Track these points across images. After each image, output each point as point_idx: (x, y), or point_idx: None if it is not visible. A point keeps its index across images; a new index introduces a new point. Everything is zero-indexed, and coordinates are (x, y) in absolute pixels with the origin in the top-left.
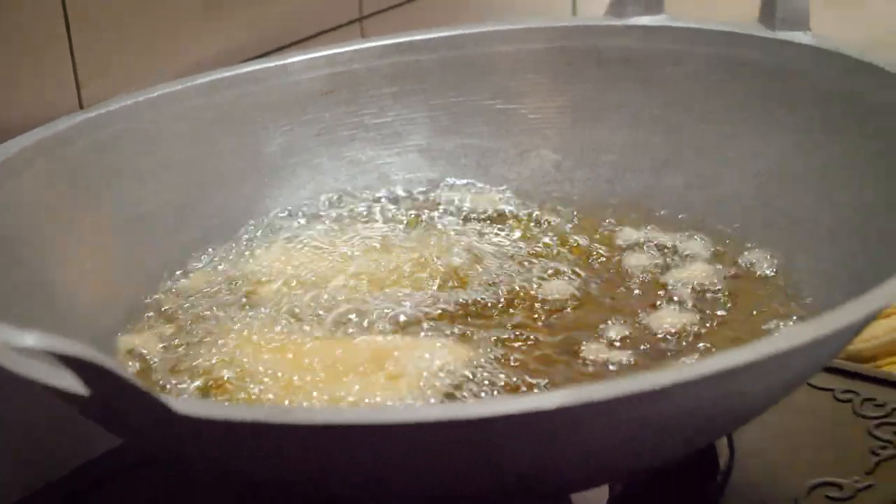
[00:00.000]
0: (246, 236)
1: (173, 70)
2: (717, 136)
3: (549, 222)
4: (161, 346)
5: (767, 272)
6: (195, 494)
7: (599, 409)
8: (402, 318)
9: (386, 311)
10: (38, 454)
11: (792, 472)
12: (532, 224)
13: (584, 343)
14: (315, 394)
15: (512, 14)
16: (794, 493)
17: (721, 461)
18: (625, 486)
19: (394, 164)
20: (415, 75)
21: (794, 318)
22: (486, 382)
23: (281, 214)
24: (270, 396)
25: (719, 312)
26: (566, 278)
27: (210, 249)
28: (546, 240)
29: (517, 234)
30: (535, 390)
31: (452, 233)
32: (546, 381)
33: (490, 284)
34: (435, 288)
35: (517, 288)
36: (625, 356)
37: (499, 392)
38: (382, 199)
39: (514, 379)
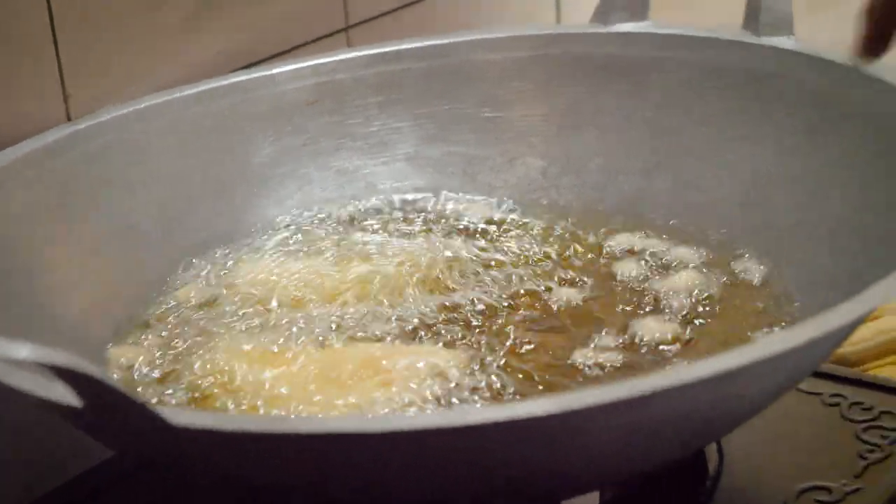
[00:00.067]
0: (234, 247)
1: (161, 81)
2: (704, 142)
3: (536, 229)
4: (150, 357)
5: (757, 277)
6: (194, 501)
7: (590, 416)
8: (391, 325)
9: (375, 319)
10: (36, 463)
11: (781, 476)
12: (519, 231)
13: (574, 349)
14: (307, 403)
15: (497, 22)
16: (783, 496)
17: (710, 466)
18: (615, 491)
19: (381, 173)
20: (401, 84)
21: (784, 323)
22: (477, 389)
23: (269, 225)
24: (261, 406)
25: (709, 319)
26: (555, 285)
27: (199, 261)
28: (534, 247)
29: (505, 241)
30: (525, 397)
31: (440, 241)
32: (536, 387)
33: (478, 292)
34: (423, 295)
35: (505, 295)
36: (615, 363)
37: (489, 399)
38: (370, 209)
39: (505, 386)
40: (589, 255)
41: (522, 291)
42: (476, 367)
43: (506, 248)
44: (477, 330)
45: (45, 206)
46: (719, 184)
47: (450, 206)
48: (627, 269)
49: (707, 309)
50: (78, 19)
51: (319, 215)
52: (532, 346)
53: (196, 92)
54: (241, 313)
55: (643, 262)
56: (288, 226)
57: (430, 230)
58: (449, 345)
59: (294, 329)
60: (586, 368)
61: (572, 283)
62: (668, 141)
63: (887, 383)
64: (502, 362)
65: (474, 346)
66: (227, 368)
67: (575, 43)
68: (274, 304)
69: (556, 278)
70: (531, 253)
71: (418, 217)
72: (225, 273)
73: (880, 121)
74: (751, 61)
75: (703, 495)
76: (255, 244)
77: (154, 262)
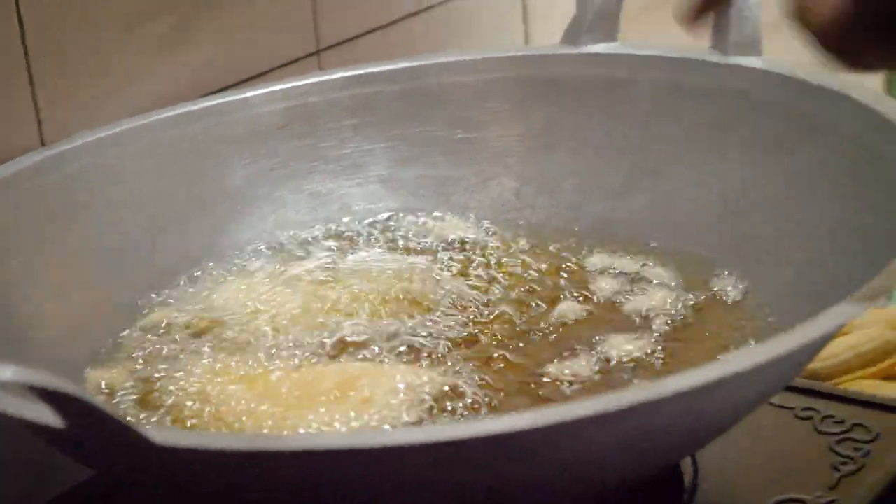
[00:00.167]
0: (210, 269)
1: (135, 105)
2: (678, 161)
3: (512, 249)
4: (128, 380)
5: (733, 294)
6: None
7: (567, 430)
8: (367, 345)
9: (350, 339)
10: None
11: (756, 489)
12: (494, 251)
13: (549, 366)
14: (285, 424)
15: (466, 44)
16: None
17: (686, 480)
18: None
19: (355, 194)
20: (374, 107)
21: (758, 339)
22: (455, 408)
23: (244, 248)
24: (240, 426)
25: (686, 336)
26: (531, 304)
27: (175, 283)
28: (509, 267)
29: (479, 261)
30: (502, 413)
31: (416, 261)
32: (513, 404)
33: (454, 311)
34: (399, 315)
35: (481, 314)
36: (590, 380)
37: (465, 415)
38: (344, 230)
39: (481, 403)
40: (564, 275)
41: (497, 311)
42: (453, 386)
43: (481, 269)
44: (453, 349)
45: (19, 231)
46: (694, 202)
47: (425, 226)
48: (603, 288)
49: (683, 326)
50: (52, 43)
51: (294, 238)
52: (508, 363)
53: (170, 116)
54: (217, 335)
55: (619, 281)
56: (263, 248)
57: (405, 251)
58: (426, 364)
59: (271, 350)
60: (562, 385)
61: (548, 302)
62: (641, 160)
63: (859, 397)
64: (478, 380)
65: (450, 364)
66: (204, 390)
67: (547, 64)
68: (250, 325)
69: (531, 297)
70: (506, 272)
71: (393, 238)
72: (201, 295)
73: (848, 137)
74: (721, 81)
75: None
76: (230, 266)
77: (130, 285)
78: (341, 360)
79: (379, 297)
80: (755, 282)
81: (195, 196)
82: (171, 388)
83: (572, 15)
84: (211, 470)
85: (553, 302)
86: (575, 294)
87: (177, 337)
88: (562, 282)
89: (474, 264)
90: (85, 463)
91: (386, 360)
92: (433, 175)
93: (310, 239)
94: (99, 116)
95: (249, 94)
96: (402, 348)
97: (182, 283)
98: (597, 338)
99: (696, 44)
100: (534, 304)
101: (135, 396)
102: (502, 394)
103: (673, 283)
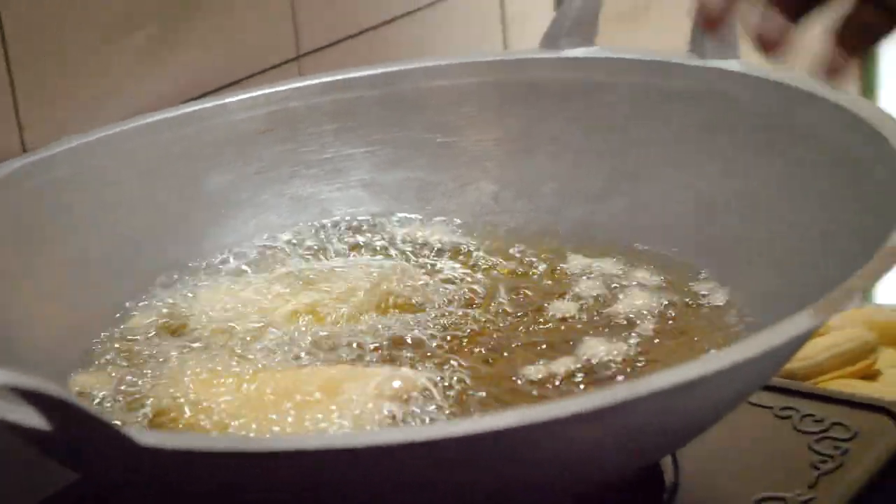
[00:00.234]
0: (192, 274)
1: (116, 112)
2: (657, 164)
3: (490, 252)
4: (112, 385)
5: (713, 296)
6: None
7: (547, 429)
8: (351, 348)
9: (333, 342)
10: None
11: (737, 487)
12: (473, 255)
13: (530, 368)
14: (269, 426)
15: (446, 49)
16: None
17: (666, 479)
18: None
19: (336, 199)
20: (354, 112)
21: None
22: (438, 408)
23: (226, 252)
24: (225, 428)
25: (666, 338)
26: (512, 307)
27: (157, 288)
28: (489, 270)
29: (459, 265)
30: (483, 413)
31: (396, 264)
32: (494, 405)
33: (435, 314)
34: (381, 318)
35: (460, 316)
36: (572, 382)
37: (448, 416)
38: (325, 235)
39: (463, 404)
40: (544, 278)
41: (478, 314)
42: (435, 388)
43: (461, 272)
44: (434, 351)
45: (1, 238)
46: (674, 205)
47: (405, 230)
48: (584, 291)
49: (665, 329)
50: (33, 51)
51: (276, 242)
52: (489, 365)
53: (151, 121)
54: (201, 339)
55: (600, 284)
56: (245, 252)
57: (385, 254)
58: (407, 366)
59: (255, 353)
60: (543, 386)
61: (529, 305)
62: (621, 163)
63: (837, 395)
64: (459, 381)
65: (432, 366)
66: (189, 394)
67: (526, 68)
68: (233, 329)
69: (512, 300)
70: (487, 276)
71: (373, 242)
72: (184, 300)
73: (826, 139)
74: (699, 84)
75: None
76: (212, 271)
77: (113, 291)
78: (324, 363)
79: (360, 300)
80: (736, 284)
81: (177, 201)
82: (156, 391)
83: (551, 19)
84: (196, 471)
85: (534, 305)
86: (556, 297)
87: (160, 341)
88: (542, 285)
89: (455, 268)
90: (70, 466)
91: (367, 362)
92: (413, 179)
93: (292, 242)
94: (80, 122)
95: (230, 99)
96: (384, 351)
97: (164, 287)
98: (578, 340)
99: (673, 47)
100: (515, 307)
101: (120, 401)
102: (484, 394)
103: (654, 286)
